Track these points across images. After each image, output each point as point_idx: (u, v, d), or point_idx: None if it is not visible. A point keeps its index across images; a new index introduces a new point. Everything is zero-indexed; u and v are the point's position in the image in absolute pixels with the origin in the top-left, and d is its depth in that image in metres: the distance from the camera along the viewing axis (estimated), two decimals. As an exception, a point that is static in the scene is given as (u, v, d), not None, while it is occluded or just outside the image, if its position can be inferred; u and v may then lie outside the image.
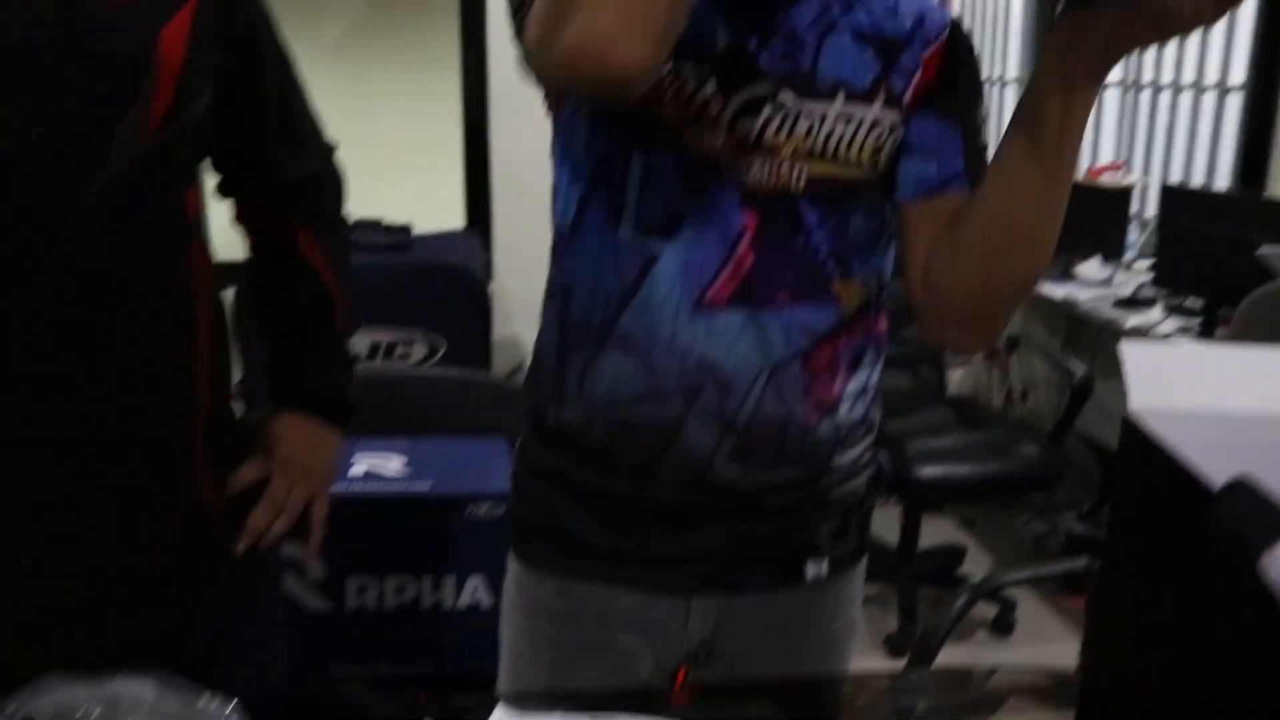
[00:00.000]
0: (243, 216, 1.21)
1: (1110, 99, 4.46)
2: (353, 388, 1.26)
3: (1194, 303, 3.12)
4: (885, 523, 3.11)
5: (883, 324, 1.14)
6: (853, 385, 1.11)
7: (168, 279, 1.00)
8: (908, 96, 1.06)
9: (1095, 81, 0.89)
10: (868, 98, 1.04)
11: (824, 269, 1.07)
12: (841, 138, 1.04)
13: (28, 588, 0.94)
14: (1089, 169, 3.91)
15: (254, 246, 1.23)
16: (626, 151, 1.05)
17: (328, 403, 1.23)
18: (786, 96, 1.02)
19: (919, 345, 3.27)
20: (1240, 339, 1.68)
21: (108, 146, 0.90)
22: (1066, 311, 3.50)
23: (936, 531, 3.36)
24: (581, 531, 1.13)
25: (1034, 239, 0.98)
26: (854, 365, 1.11)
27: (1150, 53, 4.53)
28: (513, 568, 1.20)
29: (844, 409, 1.11)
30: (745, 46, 1.03)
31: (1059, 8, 0.88)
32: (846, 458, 1.14)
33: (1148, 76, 4.12)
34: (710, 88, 1.02)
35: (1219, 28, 4.16)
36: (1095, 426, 3.28)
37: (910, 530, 2.99)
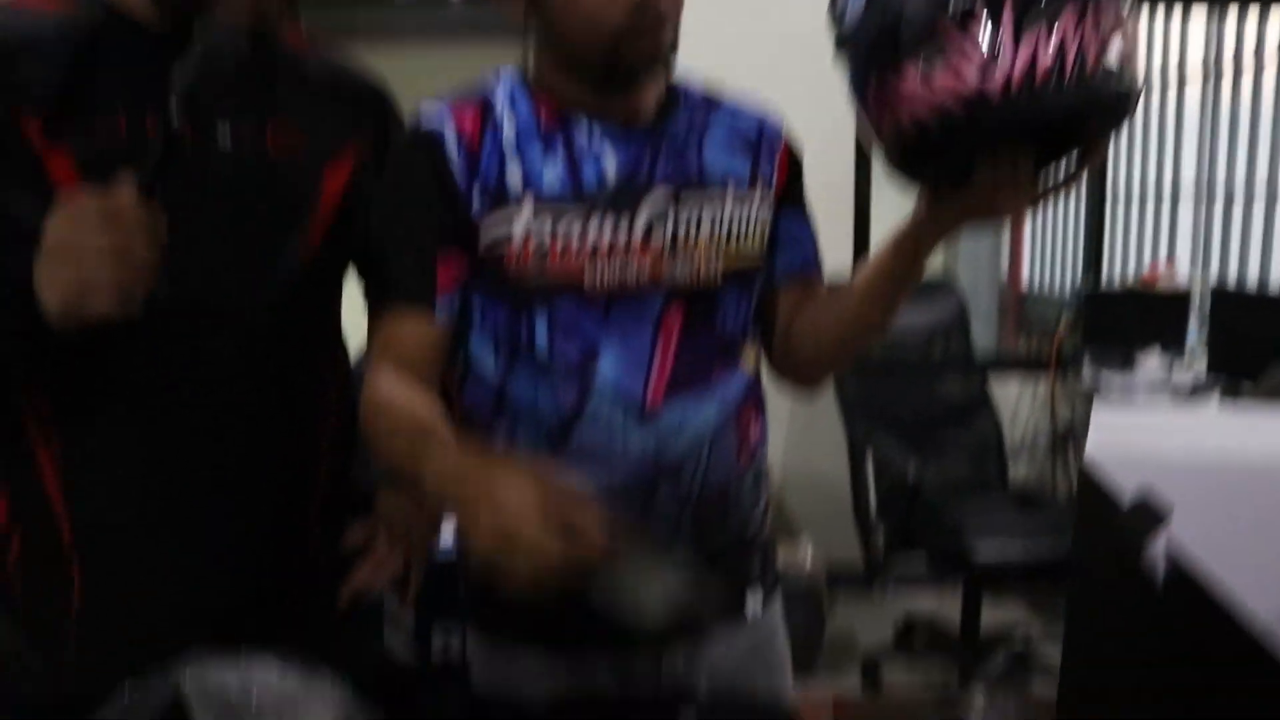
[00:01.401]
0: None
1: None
2: None
3: (1250, 388, 3.18)
4: (949, 607, 3.16)
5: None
6: (760, 429, 1.27)
7: (311, 370, 1.22)
8: (774, 191, 1.25)
9: (935, 244, 1.14)
10: (750, 188, 1.22)
11: (737, 342, 1.23)
12: (741, 232, 1.21)
13: (177, 590, 1.14)
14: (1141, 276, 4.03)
15: None
16: (530, 311, 1.14)
17: None
18: (686, 196, 1.17)
19: (981, 435, 3.34)
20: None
21: (276, 261, 1.15)
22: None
23: (1001, 613, 3.39)
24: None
25: (874, 334, 1.26)
26: (760, 411, 1.27)
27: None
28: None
29: (759, 454, 1.27)
30: (639, 165, 1.16)
31: (920, 194, 1.12)
32: (761, 503, 1.29)
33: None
34: (609, 222, 1.13)
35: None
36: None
37: (971, 614, 3.02)
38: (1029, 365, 3.88)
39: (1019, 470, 3.69)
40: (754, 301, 1.25)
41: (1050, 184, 1.09)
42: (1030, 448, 3.77)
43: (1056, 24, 0.91)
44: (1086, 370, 3.64)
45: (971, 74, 0.93)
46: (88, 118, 1.04)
